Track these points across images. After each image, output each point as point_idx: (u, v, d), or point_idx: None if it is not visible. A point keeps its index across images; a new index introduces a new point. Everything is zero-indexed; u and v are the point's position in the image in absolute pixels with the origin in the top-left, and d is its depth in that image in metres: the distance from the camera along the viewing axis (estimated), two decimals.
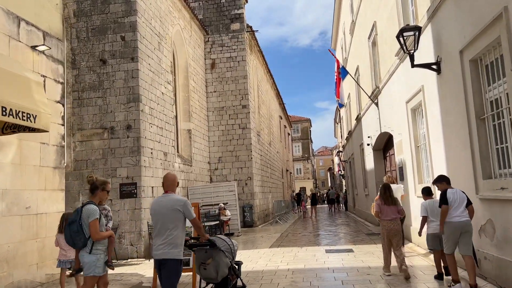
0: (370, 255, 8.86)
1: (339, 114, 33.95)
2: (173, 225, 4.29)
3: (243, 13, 18.66)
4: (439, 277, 6.34)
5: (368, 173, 16.67)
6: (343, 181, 50.35)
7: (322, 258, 8.92)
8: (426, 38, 7.65)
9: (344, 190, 36.07)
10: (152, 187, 11.70)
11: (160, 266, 4.29)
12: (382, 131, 13.03)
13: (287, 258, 9.05)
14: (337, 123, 49.88)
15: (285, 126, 38.55)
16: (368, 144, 15.31)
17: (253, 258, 9.30)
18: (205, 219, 13.06)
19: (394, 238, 6.69)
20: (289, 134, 44.16)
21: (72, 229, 4.29)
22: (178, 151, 15.32)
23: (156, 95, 12.53)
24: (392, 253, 6.80)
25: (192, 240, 5.41)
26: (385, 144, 14.70)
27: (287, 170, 36.97)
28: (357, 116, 18.02)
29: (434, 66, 7.24)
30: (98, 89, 11.48)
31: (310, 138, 61.94)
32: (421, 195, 6.77)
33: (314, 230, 15.91)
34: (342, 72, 14.05)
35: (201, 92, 17.73)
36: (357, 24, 16.98)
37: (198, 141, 16.71)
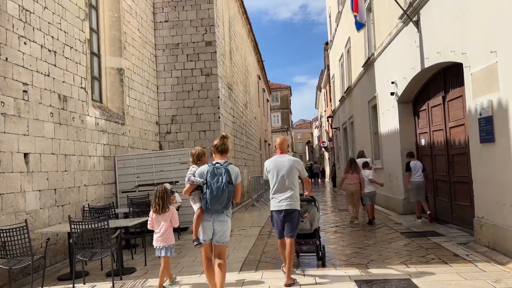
0: None
1: (328, 73, 28.77)
2: (295, 181, 5.07)
3: None
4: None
5: (384, 138, 11.72)
6: (326, 154, 45.75)
7: None
8: None
9: (332, 164, 31.26)
10: (26, 154, 6.31)
11: (285, 216, 4.98)
12: (428, 65, 7.97)
13: None
14: (320, 90, 44.76)
15: (263, 90, 33.16)
16: (392, 94, 10.25)
17: None
18: (131, 209, 7.74)
19: (355, 196, 9.20)
20: (267, 100, 38.84)
21: (231, 189, 4.15)
22: (101, 101, 9.85)
23: None
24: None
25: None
26: (419, 92, 9.71)
27: (265, 141, 31.92)
28: (368, 58, 12.87)
29: None
30: None
31: (290, 108, 56.67)
32: None
33: None
34: None
35: (144, 19, 12.10)
36: None
37: (137, 89, 11.23)
